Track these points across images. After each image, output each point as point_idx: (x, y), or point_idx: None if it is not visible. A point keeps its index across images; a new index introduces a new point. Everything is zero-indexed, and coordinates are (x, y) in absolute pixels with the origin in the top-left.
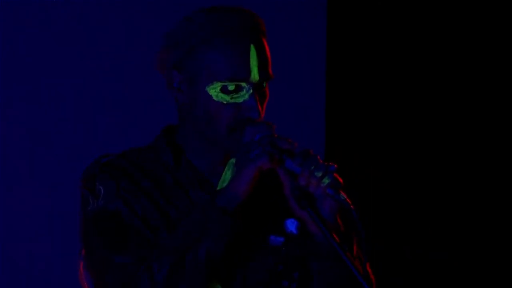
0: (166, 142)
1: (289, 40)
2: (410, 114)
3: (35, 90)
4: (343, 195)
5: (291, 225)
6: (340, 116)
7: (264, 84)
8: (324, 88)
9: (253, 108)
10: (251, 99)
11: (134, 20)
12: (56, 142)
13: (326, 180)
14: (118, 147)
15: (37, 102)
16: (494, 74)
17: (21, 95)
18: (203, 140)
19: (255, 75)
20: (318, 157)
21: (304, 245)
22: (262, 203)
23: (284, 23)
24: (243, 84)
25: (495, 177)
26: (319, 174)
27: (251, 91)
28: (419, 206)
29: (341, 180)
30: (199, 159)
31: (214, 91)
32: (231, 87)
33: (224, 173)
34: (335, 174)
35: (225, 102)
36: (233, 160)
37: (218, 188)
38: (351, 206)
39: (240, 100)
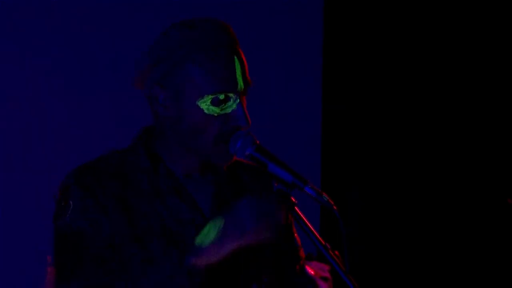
0: (144, 150)
1: (286, 42)
2: (406, 115)
3: (33, 90)
4: (325, 196)
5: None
6: (336, 119)
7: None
8: (320, 90)
9: (241, 117)
10: (239, 108)
11: (133, 21)
12: (55, 142)
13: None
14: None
15: (36, 102)
16: (492, 77)
17: (20, 95)
18: (183, 149)
19: (241, 84)
20: None
21: (277, 249)
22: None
23: (281, 25)
24: (231, 94)
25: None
26: None
27: (238, 100)
28: (416, 205)
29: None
30: (177, 166)
31: (205, 104)
32: (222, 97)
33: (207, 228)
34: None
35: (216, 115)
36: (220, 222)
37: (197, 242)
38: (334, 207)
39: (229, 110)
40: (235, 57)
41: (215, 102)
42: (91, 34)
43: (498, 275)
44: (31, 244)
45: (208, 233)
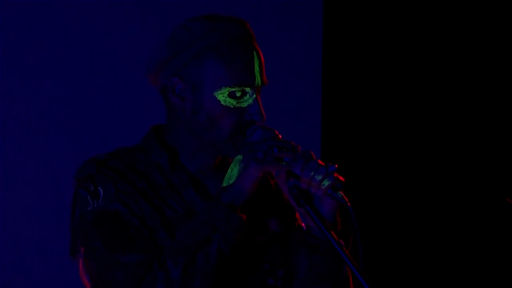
0: (159, 143)
1: (285, 41)
2: (406, 115)
3: (33, 90)
4: (340, 193)
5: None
6: (336, 117)
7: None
8: (320, 89)
9: (257, 112)
10: (255, 103)
11: (132, 21)
12: (54, 142)
13: (326, 182)
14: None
15: (36, 102)
16: (492, 77)
17: (20, 95)
18: (198, 143)
19: (258, 80)
20: (319, 160)
21: (288, 242)
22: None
23: (281, 25)
24: (248, 89)
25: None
26: (319, 177)
27: (254, 95)
28: (415, 204)
29: (342, 179)
30: (191, 161)
31: (222, 96)
32: (238, 93)
33: (230, 169)
34: (335, 174)
35: (232, 107)
36: (239, 157)
37: (224, 185)
38: (348, 204)
39: (245, 104)
40: (255, 53)
41: (232, 95)
42: (91, 34)
43: (498, 275)
44: (32, 244)
45: (232, 171)
